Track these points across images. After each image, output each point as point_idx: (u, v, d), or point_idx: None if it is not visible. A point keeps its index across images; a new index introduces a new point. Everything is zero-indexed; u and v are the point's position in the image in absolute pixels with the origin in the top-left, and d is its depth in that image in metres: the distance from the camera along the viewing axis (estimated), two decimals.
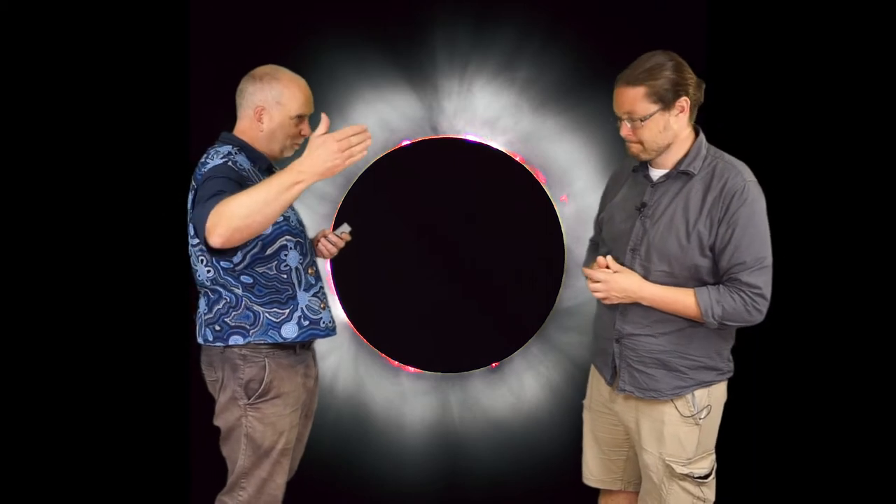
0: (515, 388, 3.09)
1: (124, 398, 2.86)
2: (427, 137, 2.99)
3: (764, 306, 1.92)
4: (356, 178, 2.97)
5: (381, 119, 2.99)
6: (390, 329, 3.05)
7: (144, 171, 2.80)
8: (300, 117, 2.13)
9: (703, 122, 2.06)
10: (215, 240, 1.80)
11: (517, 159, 2.99)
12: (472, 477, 3.08)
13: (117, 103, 2.79)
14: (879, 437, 2.79)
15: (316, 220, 2.97)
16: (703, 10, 2.81)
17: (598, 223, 2.24)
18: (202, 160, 2.04)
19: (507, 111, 2.98)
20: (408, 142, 3.00)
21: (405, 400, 3.09)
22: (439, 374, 3.07)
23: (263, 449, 2.10)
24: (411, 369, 3.07)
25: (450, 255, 3.02)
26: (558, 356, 3.06)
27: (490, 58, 2.94)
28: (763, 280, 1.90)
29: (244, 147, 2.10)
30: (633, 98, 1.93)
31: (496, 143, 2.99)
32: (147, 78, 2.81)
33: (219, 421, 2.14)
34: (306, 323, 2.11)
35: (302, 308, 2.11)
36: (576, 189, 3.00)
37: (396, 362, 3.07)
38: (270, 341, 2.06)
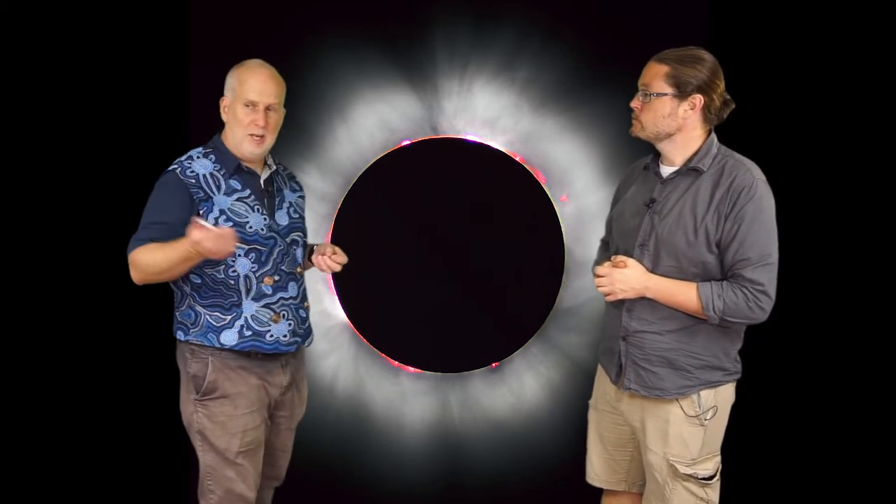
0: (515, 388, 3.08)
1: (123, 396, 2.86)
2: (427, 137, 2.99)
3: (767, 304, 1.90)
4: (356, 178, 2.97)
5: (381, 119, 2.99)
6: (390, 329, 3.05)
7: (144, 171, 2.79)
8: (252, 105, 2.06)
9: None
10: (134, 279, 2.05)
11: (517, 159, 2.99)
12: (472, 477, 3.08)
13: (117, 103, 2.79)
14: (887, 440, 2.79)
15: (316, 220, 2.97)
16: (703, 10, 2.81)
17: (609, 222, 2.24)
18: None
19: (507, 111, 2.98)
20: (408, 142, 3.00)
21: (405, 400, 3.09)
22: (439, 374, 3.07)
23: (219, 450, 2.09)
24: (411, 369, 3.07)
25: (450, 255, 3.02)
26: (558, 356, 3.06)
27: (490, 58, 2.94)
28: (767, 277, 1.89)
29: (216, 150, 2.11)
30: (654, 73, 1.96)
31: (496, 143, 2.99)
32: (147, 78, 2.81)
33: (182, 411, 2.17)
34: (248, 333, 2.08)
35: (246, 317, 2.08)
36: (576, 189, 3.00)
37: (396, 362, 3.07)
38: (208, 344, 2.06)
